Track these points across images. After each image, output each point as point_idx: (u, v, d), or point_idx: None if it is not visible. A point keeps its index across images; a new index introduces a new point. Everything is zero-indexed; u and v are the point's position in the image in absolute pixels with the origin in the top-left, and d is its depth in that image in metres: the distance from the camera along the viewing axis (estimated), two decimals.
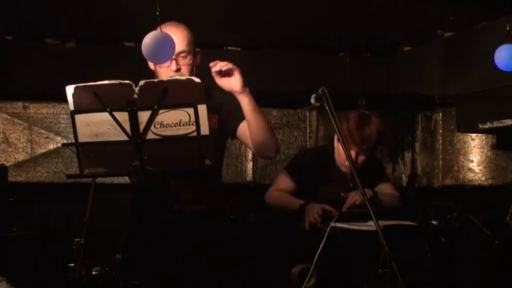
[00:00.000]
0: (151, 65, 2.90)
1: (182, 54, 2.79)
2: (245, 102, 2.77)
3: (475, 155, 5.08)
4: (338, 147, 3.62)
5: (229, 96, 2.91)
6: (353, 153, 3.52)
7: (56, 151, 4.74)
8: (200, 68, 2.94)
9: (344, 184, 3.65)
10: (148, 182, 2.84)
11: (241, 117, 2.90)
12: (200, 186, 2.84)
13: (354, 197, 3.45)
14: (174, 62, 2.78)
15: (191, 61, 2.82)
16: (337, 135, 2.81)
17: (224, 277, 2.87)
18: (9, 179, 4.28)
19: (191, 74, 2.80)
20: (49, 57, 4.63)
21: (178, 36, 2.77)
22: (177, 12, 3.03)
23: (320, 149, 4.19)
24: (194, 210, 2.85)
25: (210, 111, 2.86)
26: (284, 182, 3.67)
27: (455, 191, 5.11)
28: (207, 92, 2.93)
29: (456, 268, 3.88)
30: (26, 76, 4.61)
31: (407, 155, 5.39)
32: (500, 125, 4.33)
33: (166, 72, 2.79)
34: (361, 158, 3.58)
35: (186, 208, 2.83)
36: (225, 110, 2.93)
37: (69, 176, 2.53)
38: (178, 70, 2.78)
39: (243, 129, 2.91)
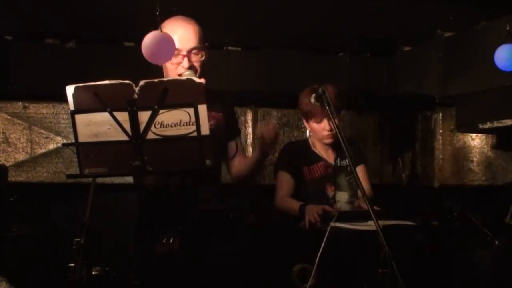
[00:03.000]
0: None
1: (194, 51, 2.78)
2: (259, 158, 2.88)
3: (475, 155, 5.08)
4: (310, 126, 3.75)
5: (227, 101, 2.96)
6: (325, 124, 3.66)
7: (56, 151, 4.73)
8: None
9: (324, 163, 3.77)
10: (165, 182, 2.83)
11: (232, 135, 3.01)
12: (215, 185, 2.89)
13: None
14: (186, 59, 2.76)
15: (203, 58, 2.80)
16: (339, 136, 2.81)
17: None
18: (9, 179, 4.27)
19: (202, 70, 2.79)
20: (49, 57, 4.63)
21: (190, 32, 2.77)
22: (177, 12, 3.03)
23: (295, 141, 4.32)
24: (219, 209, 2.87)
25: (216, 110, 2.90)
26: (285, 179, 3.71)
27: (455, 191, 5.11)
28: (215, 93, 2.94)
29: (456, 268, 3.88)
30: (26, 76, 4.60)
31: (407, 155, 5.38)
32: (500, 125, 4.32)
33: (177, 69, 2.78)
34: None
35: (204, 208, 2.84)
36: (225, 116, 2.98)
37: (69, 176, 2.53)
38: (190, 67, 2.76)
39: (229, 149, 3.01)
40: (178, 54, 2.77)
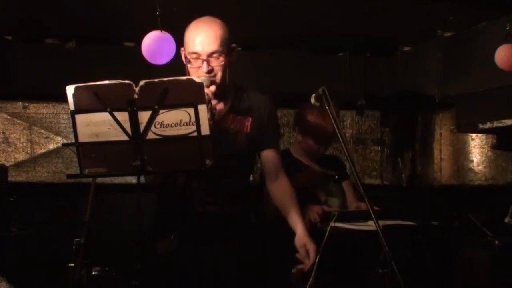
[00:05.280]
0: (185, 62, 2.78)
1: (214, 55, 2.69)
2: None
3: (475, 155, 5.08)
4: (302, 140, 3.78)
5: (265, 104, 2.89)
6: (314, 144, 3.71)
7: (56, 151, 4.74)
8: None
9: (311, 170, 3.78)
10: (170, 182, 2.81)
11: (270, 143, 2.89)
12: (224, 187, 2.81)
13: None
14: (205, 63, 2.68)
15: (223, 62, 2.71)
16: (339, 136, 2.80)
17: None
18: (9, 179, 4.29)
19: (224, 74, 2.72)
20: (49, 57, 4.64)
21: (211, 36, 2.69)
22: (177, 12, 3.03)
23: (287, 149, 4.26)
24: (217, 212, 2.83)
25: (241, 114, 2.85)
26: None
27: (455, 191, 5.11)
28: (238, 92, 2.91)
29: (456, 268, 3.88)
30: (26, 76, 4.61)
31: (407, 155, 5.39)
32: (500, 125, 4.32)
33: (197, 73, 2.70)
34: (322, 149, 3.77)
35: (209, 210, 2.81)
36: (261, 121, 2.87)
37: (69, 176, 2.52)
38: (210, 71, 2.68)
39: (266, 157, 2.90)
40: (198, 58, 2.70)
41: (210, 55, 2.69)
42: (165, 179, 2.79)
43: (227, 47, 2.73)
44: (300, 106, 3.81)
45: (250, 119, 2.85)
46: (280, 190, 2.94)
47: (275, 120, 2.97)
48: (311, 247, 2.83)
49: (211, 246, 2.79)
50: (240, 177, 2.89)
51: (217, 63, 2.71)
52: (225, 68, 2.73)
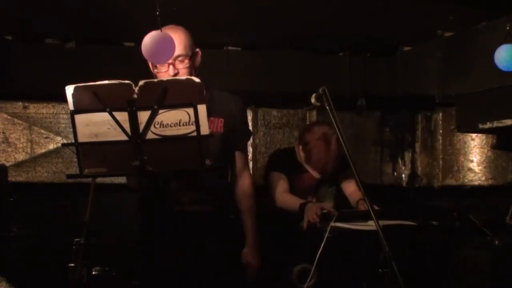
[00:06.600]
0: (152, 68, 2.89)
1: (179, 58, 2.81)
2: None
3: (475, 155, 5.08)
4: (304, 153, 3.78)
5: (236, 105, 2.96)
6: (318, 169, 3.73)
7: (56, 151, 4.74)
8: (200, 67, 2.95)
9: (309, 176, 3.81)
10: (148, 183, 2.83)
11: (237, 145, 3.00)
12: (203, 186, 2.84)
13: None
14: (171, 66, 2.79)
15: (188, 65, 2.83)
16: (339, 136, 2.80)
17: (224, 278, 2.87)
18: (9, 179, 4.28)
19: (190, 76, 2.78)
20: (49, 57, 4.64)
21: (175, 40, 2.77)
22: (177, 12, 3.03)
23: (282, 148, 4.34)
24: (197, 211, 2.85)
25: (214, 115, 2.88)
26: (280, 178, 3.72)
27: (455, 191, 5.11)
28: (207, 92, 2.94)
29: (456, 268, 3.88)
30: (26, 76, 4.61)
31: (407, 155, 5.38)
32: (500, 125, 4.32)
33: (164, 76, 2.78)
34: (329, 167, 3.74)
35: (188, 209, 2.84)
36: (232, 122, 2.95)
37: (69, 176, 2.53)
38: (175, 74, 2.79)
39: (233, 158, 3.02)
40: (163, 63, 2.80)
41: (175, 58, 2.79)
42: (145, 181, 2.82)
43: (191, 51, 2.86)
44: (306, 131, 3.85)
45: (222, 120, 2.93)
46: (239, 190, 3.06)
47: (245, 121, 3.11)
48: (252, 266, 2.98)
49: (193, 244, 2.81)
50: (218, 176, 2.95)
51: (183, 66, 2.82)
52: (190, 70, 2.84)
